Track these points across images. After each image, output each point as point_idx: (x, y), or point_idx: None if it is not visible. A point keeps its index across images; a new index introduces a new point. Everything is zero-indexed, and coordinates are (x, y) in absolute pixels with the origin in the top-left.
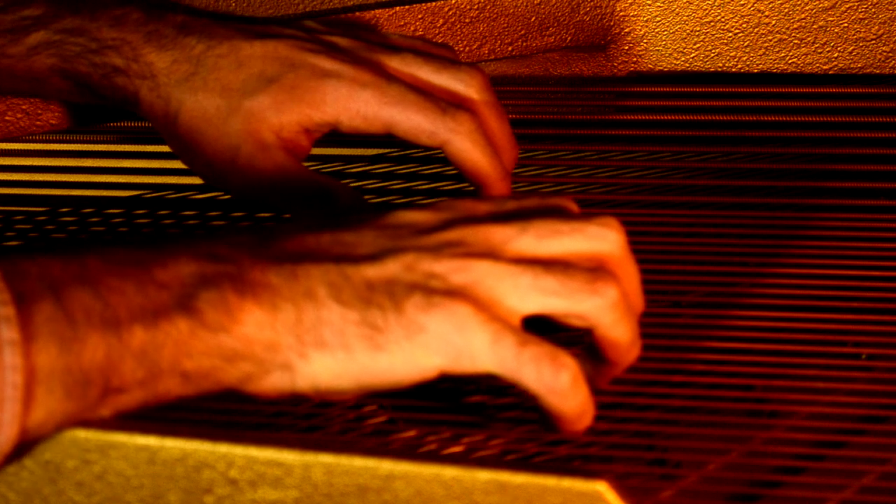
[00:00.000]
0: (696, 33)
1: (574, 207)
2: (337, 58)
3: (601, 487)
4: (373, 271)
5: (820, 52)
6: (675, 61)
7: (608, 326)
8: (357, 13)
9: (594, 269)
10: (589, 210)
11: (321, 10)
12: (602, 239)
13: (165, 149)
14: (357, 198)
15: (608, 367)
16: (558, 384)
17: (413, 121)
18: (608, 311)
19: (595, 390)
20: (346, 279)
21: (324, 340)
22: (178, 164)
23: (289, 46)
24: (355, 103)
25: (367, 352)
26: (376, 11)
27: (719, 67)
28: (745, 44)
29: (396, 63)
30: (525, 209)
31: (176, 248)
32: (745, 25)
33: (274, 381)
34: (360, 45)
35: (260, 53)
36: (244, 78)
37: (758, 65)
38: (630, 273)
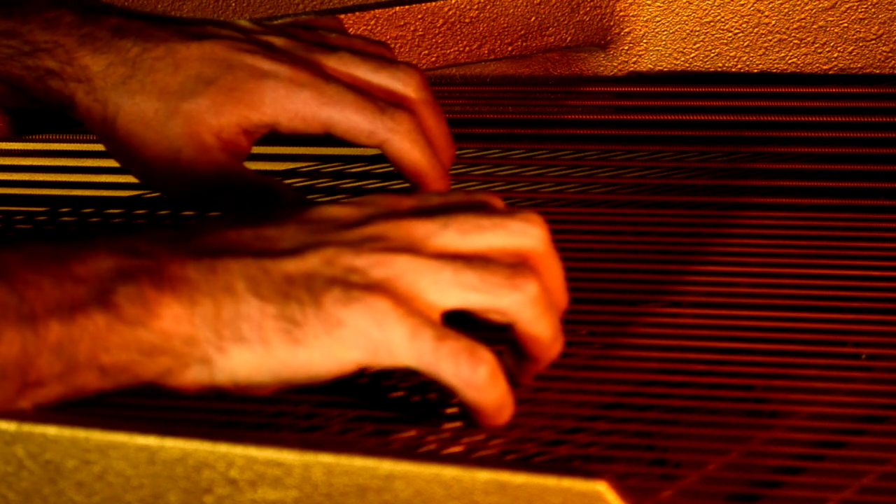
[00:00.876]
0: (696, 33)
1: (499, 203)
2: (274, 58)
3: (601, 487)
4: (292, 265)
5: (820, 52)
6: (675, 61)
7: (528, 322)
8: (357, 13)
9: (515, 265)
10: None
11: (321, 9)
12: (524, 234)
13: None
14: (300, 197)
15: (530, 363)
16: (476, 378)
17: (352, 120)
18: (528, 307)
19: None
20: (266, 273)
21: (242, 335)
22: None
23: (225, 47)
24: (293, 104)
25: (286, 346)
26: (376, 11)
27: (719, 67)
28: (745, 44)
29: (334, 62)
30: (449, 204)
31: (95, 243)
32: (745, 25)
33: (193, 375)
34: (297, 44)
35: (197, 55)
36: (182, 80)
37: (758, 65)
38: (553, 269)
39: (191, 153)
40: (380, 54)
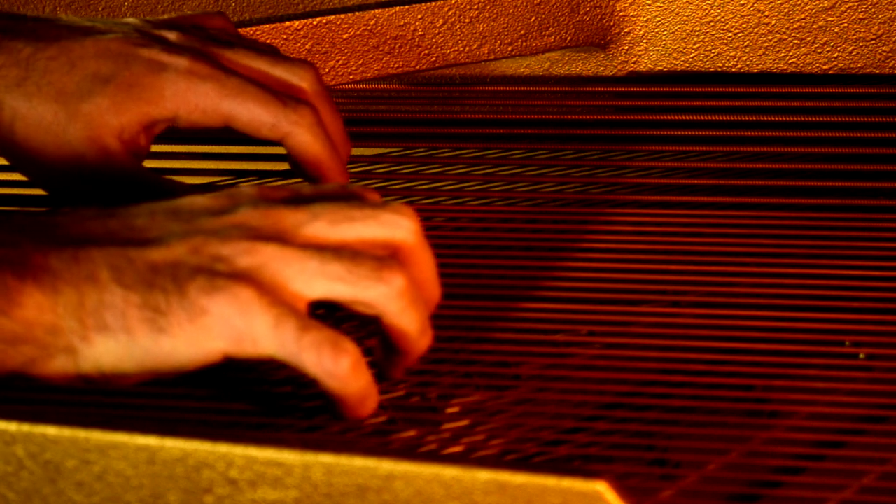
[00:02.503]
0: (696, 33)
1: (373, 196)
2: (172, 51)
3: (601, 487)
4: (158, 254)
5: (820, 52)
6: (675, 61)
7: (394, 315)
8: (357, 13)
9: (383, 258)
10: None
11: (321, 9)
12: (395, 226)
13: (165, 148)
14: None
15: (399, 356)
16: (338, 369)
17: (254, 113)
18: (394, 300)
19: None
20: (130, 262)
21: (106, 324)
22: (178, 165)
23: (121, 42)
24: (194, 96)
25: (150, 335)
26: (376, 11)
27: (719, 67)
28: (745, 44)
29: (231, 55)
30: (321, 195)
31: None
32: (745, 25)
33: (57, 365)
34: (192, 38)
35: (92, 52)
36: (78, 80)
37: (758, 65)
38: (423, 262)
39: (94, 158)
40: (273, 51)
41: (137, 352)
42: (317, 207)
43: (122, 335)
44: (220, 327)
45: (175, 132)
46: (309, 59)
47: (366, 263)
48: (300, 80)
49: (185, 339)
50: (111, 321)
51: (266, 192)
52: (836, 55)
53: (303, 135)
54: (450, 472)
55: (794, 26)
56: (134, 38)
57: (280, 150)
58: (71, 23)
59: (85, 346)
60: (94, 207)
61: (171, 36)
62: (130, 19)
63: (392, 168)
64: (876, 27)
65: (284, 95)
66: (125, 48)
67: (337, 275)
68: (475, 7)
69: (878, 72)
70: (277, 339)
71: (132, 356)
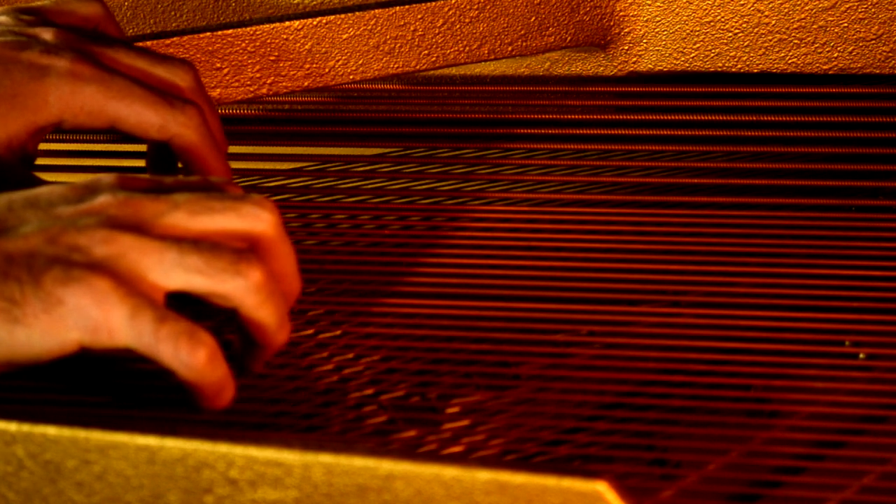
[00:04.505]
0: (696, 33)
1: (235, 189)
2: (51, 51)
3: (601, 487)
4: (13, 244)
5: (820, 52)
6: (675, 61)
7: (251, 308)
8: (357, 13)
9: (242, 250)
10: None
11: (321, 9)
12: (255, 218)
13: None
14: None
15: (257, 349)
16: (194, 361)
17: (141, 116)
18: (251, 294)
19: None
20: None
21: None
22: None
23: None
24: (79, 99)
25: (4, 325)
26: (376, 11)
27: (719, 67)
28: (745, 44)
29: (113, 54)
30: (182, 185)
31: None
32: (745, 25)
33: None
34: (70, 36)
35: None
36: None
37: (758, 65)
38: (283, 255)
39: None
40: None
41: None
42: (177, 197)
43: None
44: (76, 318)
45: None
46: (309, 59)
47: (224, 256)
48: (181, 79)
49: (40, 329)
50: None
51: (127, 180)
52: (836, 55)
53: (190, 136)
54: (450, 472)
55: (794, 26)
56: (9, 40)
57: (280, 150)
58: None
59: None
60: None
61: (48, 35)
62: (2, 16)
63: (392, 168)
64: (876, 27)
65: (170, 96)
66: (2, 53)
67: (195, 266)
68: (475, 7)
69: (878, 72)
70: (134, 330)
71: None
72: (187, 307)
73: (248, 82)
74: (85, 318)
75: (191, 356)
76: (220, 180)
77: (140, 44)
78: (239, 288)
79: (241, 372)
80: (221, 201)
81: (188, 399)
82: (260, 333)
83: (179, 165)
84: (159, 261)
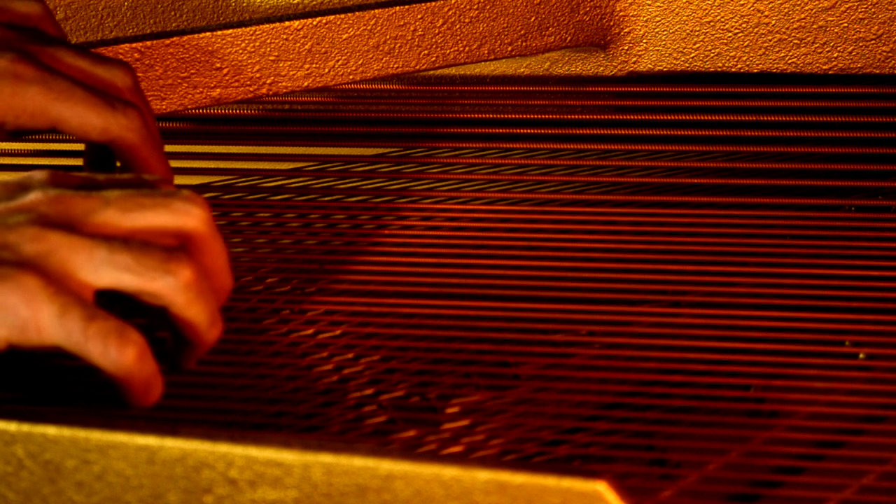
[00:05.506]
0: (696, 33)
1: (167, 186)
2: None
3: (601, 487)
4: None
5: (820, 52)
6: (675, 61)
7: (181, 307)
8: (357, 13)
9: (172, 248)
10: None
11: (321, 9)
12: (186, 214)
13: (165, 148)
14: None
15: (189, 347)
16: (123, 359)
17: (83, 118)
18: (180, 292)
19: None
20: None
21: None
22: (177, 164)
23: None
24: (21, 100)
25: None
26: (376, 11)
27: (719, 67)
28: (745, 44)
29: (53, 54)
30: (115, 182)
31: None
32: (745, 25)
33: None
34: (9, 35)
35: None
36: None
37: (758, 65)
38: (214, 251)
39: None
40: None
41: None
42: (108, 194)
43: None
44: (4, 316)
45: (174, 133)
46: (309, 59)
47: (154, 254)
48: (120, 80)
49: None
50: None
51: (59, 177)
52: (836, 55)
53: (132, 138)
54: (450, 472)
55: (794, 26)
56: None
57: (280, 150)
58: None
59: None
60: None
61: None
62: None
63: (392, 168)
64: (876, 27)
65: (112, 98)
66: None
67: (124, 265)
68: (475, 7)
69: (878, 72)
70: (63, 328)
71: None
72: (118, 305)
73: (248, 82)
74: (13, 316)
75: (120, 354)
76: (152, 178)
77: (139, 44)
78: (169, 286)
79: (173, 369)
80: (152, 198)
81: (116, 396)
82: (191, 331)
83: (118, 165)
84: (89, 259)
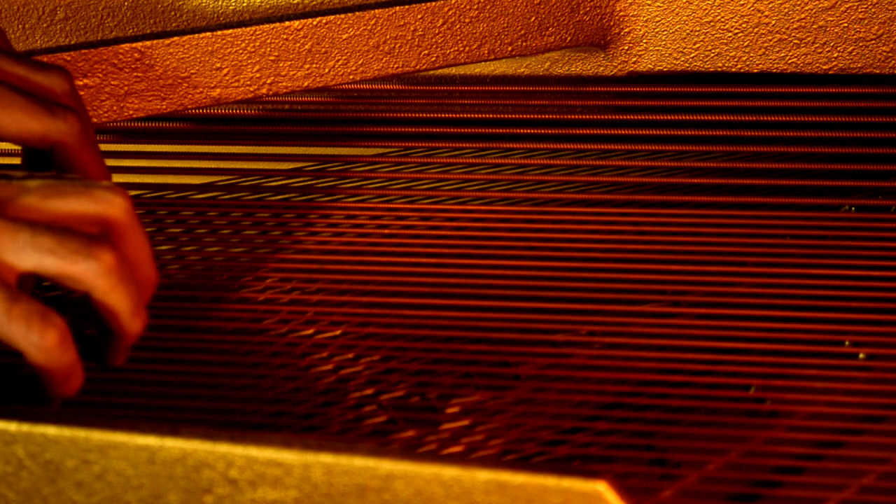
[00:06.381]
0: (696, 33)
1: (88, 180)
2: None
3: (601, 487)
4: None
5: (820, 52)
6: (675, 61)
7: (102, 292)
8: (357, 13)
9: (94, 235)
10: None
11: (321, 9)
12: (108, 203)
13: (165, 149)
14: None
15: (113, 339)
16: (45, 342)
17: (23, 124)
18: (102, 277)
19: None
20: None
21: None
22: (178, 164)
23: None
24: None
25: None
26: (376, 11)
27: (719, 67)
28: (745, 44)
29: None
30: (36, 175)
31: None
32: (745, 25)
33: None
34: None
35: None
36: None
37: (758, 65)
38: (136, 242)
39: None
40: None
41: None
42: (30, 182)
43: None
44: None
45: (174, 133)
46: (309, 59)
47: (76, 238)
48: (58, 85)
49: None
50: None
51: None
52: (836, 55)
53: (72, 143)
54: (450, 472)
55: (794, 26)
56: None
57: (280, 150)
58: None
59: None
60: None
61: None
62: None
63: (392, 168)
64: (876, 27)
65: (51, 103)
66: None
67: (47, 248)
68: (475, 7)
69: (878, 72)
70: None
71: None
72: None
73: (248, 82)
74: None
75: (42, 337)
76: (74, 175)
77: (139, 44)
78: (90, 270)
79: (100, 364)
80: (73, 186)
81: (37, 387)
82: (113, 320)
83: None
84: (12, 241)
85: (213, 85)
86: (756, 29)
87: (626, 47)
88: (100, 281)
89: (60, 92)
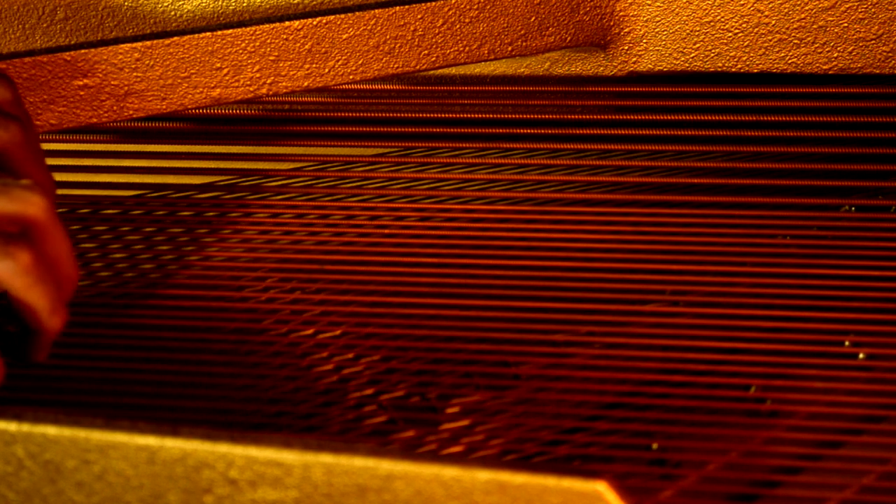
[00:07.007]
0: (696, 33)
1: (8, 178)
2: None
3: (601, 487)
4: None
5: (820, 52)
6: (675, 61)
7: (21, 290)
8: (357, 13)
9: (11, 234)
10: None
11: (321, 9)
12: (26, 202)
13: (165, 149)
14: None
15: (34, 336)
16: None
17: None
18: (19, 275)
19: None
20: None
21: None
22: (177, 164)
23: None
24: None
25: None
26: (376, 11)
27: (719, 67)
28: (745, 44)
29: None
30: None
31: None
32: (745, 25)
33: None
34: None
35: None
36: None
37: (758, 65)
38: (56, 240)
39: None
40: None
41: None
42: None
43: None
44: None
45: (174, 133)
46: (309, 59)
47: None
48: (0, 95)
49: None
50: None
51: None
52: (836, 55)
53: (16, 152)
54: (450, 472)
55: (794, 26)
56: None
57: (280, 150)
58: None
59: None
60: None
61: None
62: None
63: (392, 168)
64: (876, 27)
65: None
66: None
67: None
68: (475, 7)
69: (878, 72)
70: None
71: None
72: None
73: (248, 82)
74: None
75: None
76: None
77: (139, 44)
78: (7, 269)
79: (22, 359)
80: None
81: None
82: (32, 317)
83: None
84: None
85: (213, 85)
86: (756, 29)
87: (626, 47)
88: (17, 280)
89: (2, 100)
